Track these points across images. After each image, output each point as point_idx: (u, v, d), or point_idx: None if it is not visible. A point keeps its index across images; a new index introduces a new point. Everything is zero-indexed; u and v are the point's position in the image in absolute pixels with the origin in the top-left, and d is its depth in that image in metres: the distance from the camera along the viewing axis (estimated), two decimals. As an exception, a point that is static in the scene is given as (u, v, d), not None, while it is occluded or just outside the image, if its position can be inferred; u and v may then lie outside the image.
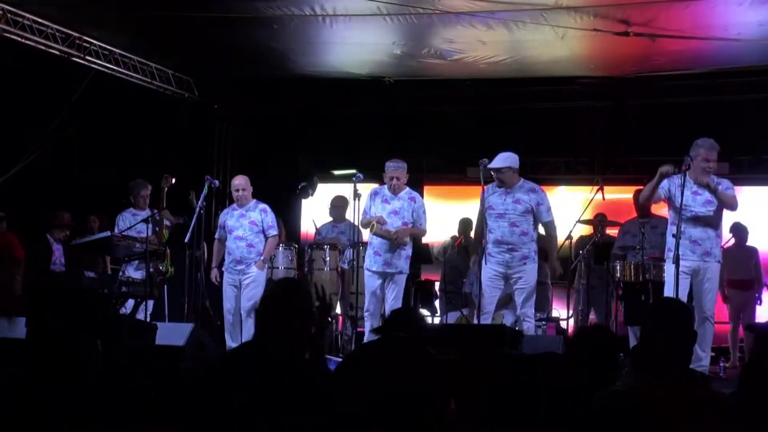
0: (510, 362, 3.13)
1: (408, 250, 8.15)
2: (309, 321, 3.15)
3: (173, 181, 8.88)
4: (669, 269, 7.18)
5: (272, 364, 2.88)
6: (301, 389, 2.73)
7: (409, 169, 8.22)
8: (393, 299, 7.99)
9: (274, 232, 8.62)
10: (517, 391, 2.83)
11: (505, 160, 7.69)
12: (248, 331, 8.19)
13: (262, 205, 8.63)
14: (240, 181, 8.60)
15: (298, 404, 2.69)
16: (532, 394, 2.82)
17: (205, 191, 8.52)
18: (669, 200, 7.22)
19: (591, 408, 2.74)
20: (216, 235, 8.78)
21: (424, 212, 8.20)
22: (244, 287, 8.43)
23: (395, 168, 8.08)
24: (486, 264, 7.61)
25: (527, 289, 7.62)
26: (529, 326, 7.61)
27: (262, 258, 8.51)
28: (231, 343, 8.33)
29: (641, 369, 2.92)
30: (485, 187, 7.77)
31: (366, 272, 8.16)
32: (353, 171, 8.47)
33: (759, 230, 10.57)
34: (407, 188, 8.23)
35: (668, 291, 7.10)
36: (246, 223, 8.49)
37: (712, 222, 7.14)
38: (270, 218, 8.58)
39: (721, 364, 8.47)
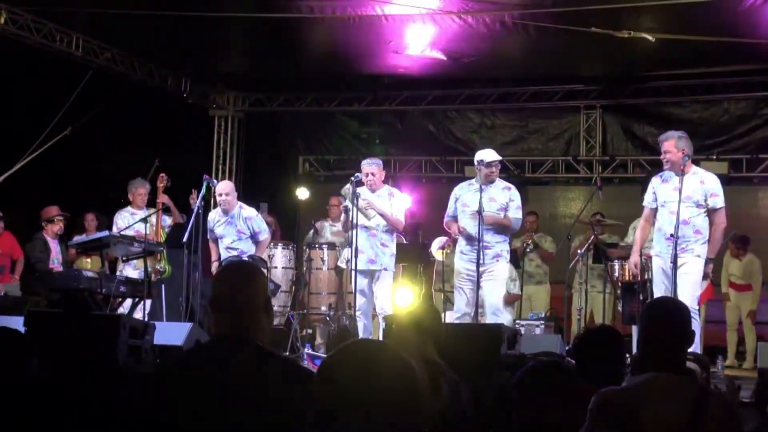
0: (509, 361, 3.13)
1: (392, 248, 8.12)
2: (267, 306, 2.60)
3: (169, 181, 8.85)
4: (654, 262, 7.09)
5: (231, 360, 2.46)
6: (270, 387, 2.39)
7: (409, 169, 8.23)
8: (382, 297, 7.97)
9: (263, 236, 8.50)
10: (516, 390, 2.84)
11: (495, 154, 7.72)
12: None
13: (246, 213, 8.47)
14: (223, 187, 8.49)
15: (269, 404, 2.37)
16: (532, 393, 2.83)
17: (203, 191, 8.47)
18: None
19: (591, 405, 2.75)
20: (208, 236, 8.58)
21: (400, 206, 8.20)
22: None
23: (369, 164, 8.12)
24: (457, 261, 7.63)
25: (497, 284, 7.60)
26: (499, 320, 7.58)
27: None
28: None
29: (639, 368, 2.93)
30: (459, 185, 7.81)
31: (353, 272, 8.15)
32: (352, 172, 8.46)
33: (758, 230, 10.59)
34: (385, 185, 8.29)
35: (656, 288, 7.06)
36: (233, 232, 8.41)
37: (689, 218, 6.82)
38: (256, 224, 8.45)
39: (719, 363, 8.48)
